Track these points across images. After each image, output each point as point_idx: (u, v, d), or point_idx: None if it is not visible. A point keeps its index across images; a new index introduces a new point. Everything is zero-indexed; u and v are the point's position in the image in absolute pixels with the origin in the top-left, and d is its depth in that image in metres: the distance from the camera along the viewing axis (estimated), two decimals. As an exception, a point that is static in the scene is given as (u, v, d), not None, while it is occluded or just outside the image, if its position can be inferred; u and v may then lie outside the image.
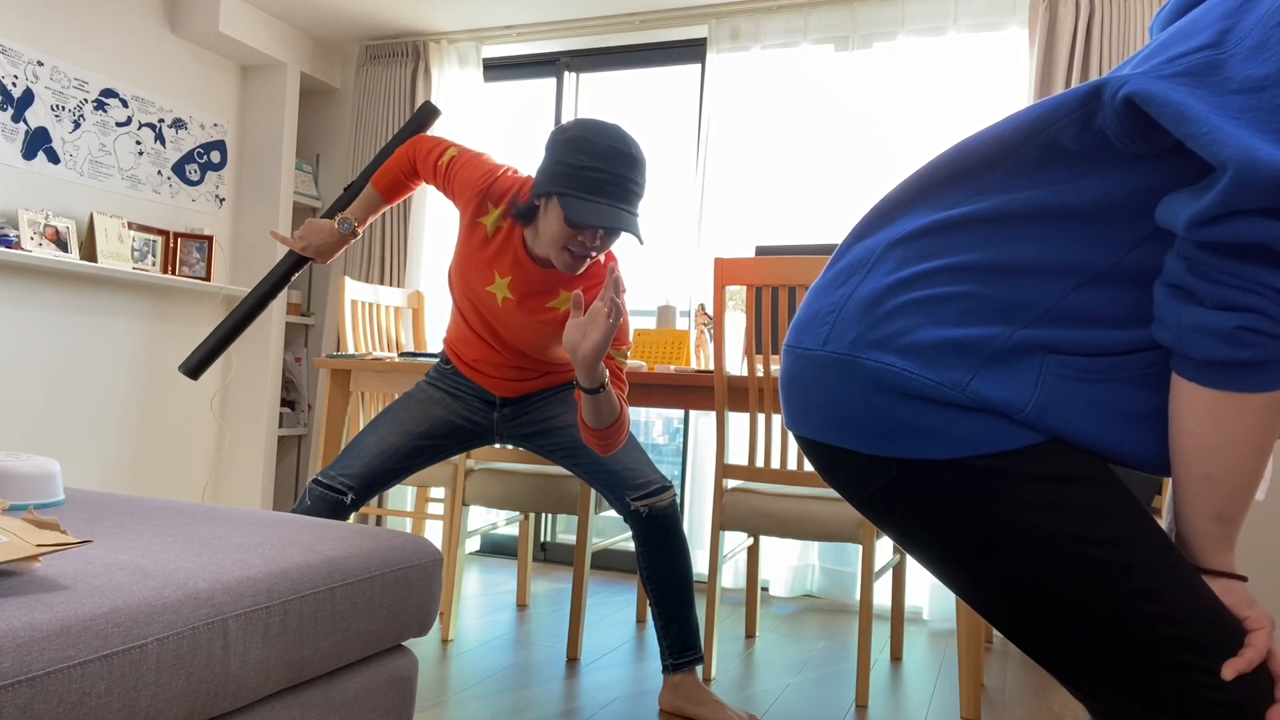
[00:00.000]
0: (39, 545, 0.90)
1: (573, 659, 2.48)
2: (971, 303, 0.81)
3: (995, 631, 2.96)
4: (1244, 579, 0.81)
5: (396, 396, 3.28)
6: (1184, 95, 0.72)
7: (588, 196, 1.76)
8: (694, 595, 2.06)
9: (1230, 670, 0.75)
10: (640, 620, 2.93)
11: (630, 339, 2.01)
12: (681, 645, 2.05)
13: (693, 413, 3.51)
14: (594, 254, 1.86)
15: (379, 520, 3.85)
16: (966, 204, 0.86)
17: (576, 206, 1.75)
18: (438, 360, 2.20)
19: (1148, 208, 0.80)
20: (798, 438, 0.94)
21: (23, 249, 3.07)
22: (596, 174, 1.76)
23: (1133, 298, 0.80)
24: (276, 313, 3.98)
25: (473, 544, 4.05)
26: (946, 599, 3.16)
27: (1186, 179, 0.77)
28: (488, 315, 2.02)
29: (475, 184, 1.98)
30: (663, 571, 2.02)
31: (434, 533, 3.81)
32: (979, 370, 0.79)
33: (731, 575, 3.48)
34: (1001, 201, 0.84)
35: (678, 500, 2.08)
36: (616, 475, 2.03)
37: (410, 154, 2.13)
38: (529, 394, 2.13)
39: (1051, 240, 0.81)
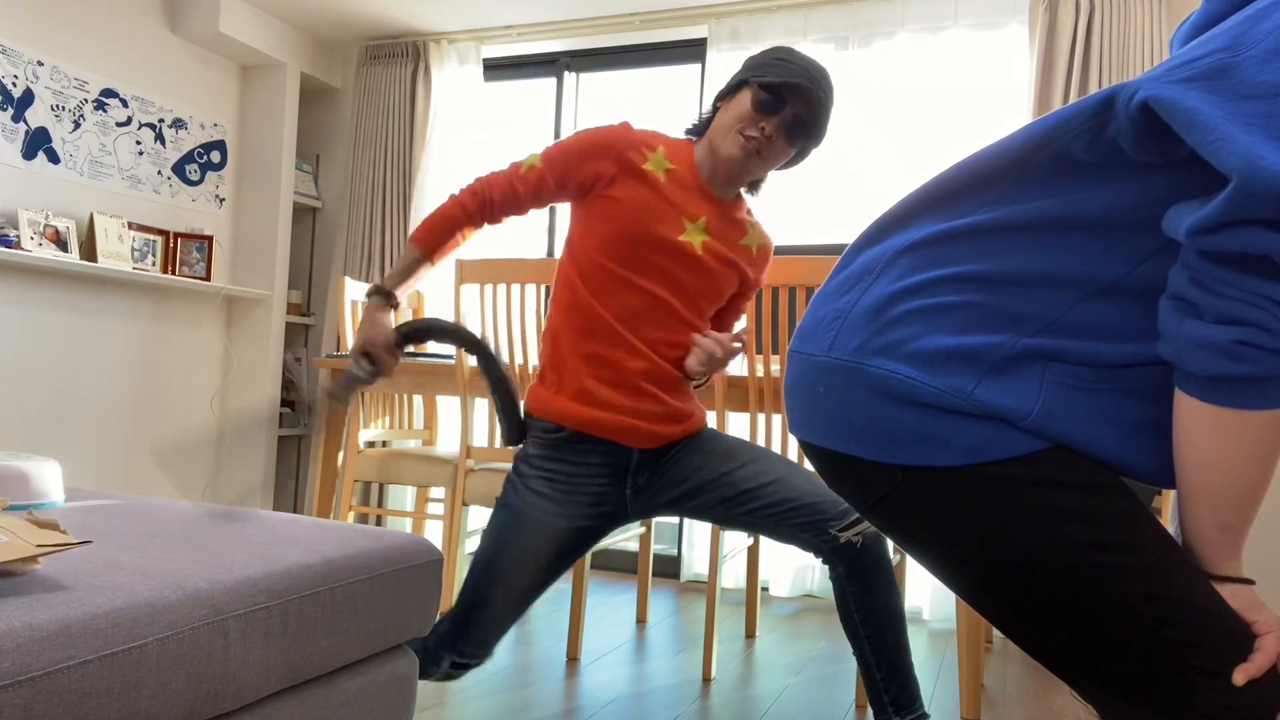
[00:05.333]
0: (39, 546, 0.90)
1: (573, 659, 2.48)
2: (977, 311, 0.82)
3: (995, 631, 2.96)
4: (1251, 583, 0.80)
5: (400, 399, 3.28)
6: (1195, 100, 0.71)
7: (777, 74, 1.66)
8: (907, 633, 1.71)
9: (1241, 675, 0.74)
10: (640, 620, 2.93)
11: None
12: (909, 700, 1.66)
13: (693, 413, 3.51)
14: (763, 154, 1.69)
15: (379, 520, 3.84)
16: (975, 214, 0.86)
17: (767, 75, 1.65)
18: (532, 431, 1.73)
19: (1158, 220, 0.79)
20: (802, 443, 0.94)
21: (23, 249, 3.07)
22: (790, 66, 1.67)
23: (1139, 312, 0.80)
24: (276, 313, 3.98)
25: (473, 544, 4.05)
26: (946, 599, 3.16)
27: (1198, 191, 0.76)
28: (677, 279, 1.70)
29: (609, 139, 1.72)
30: (885, 610, 1.65)
31: (434, 533, 3.81)
32: (983, 378, 0.80)
33: (731, 575, 3.48)
34: (1011, 212, 0.84)
35: None
36: (811, 508, 1.64)
37: (488, 186, 1.74)
38: (667, 446, 1.74)
39: (1060, 251, 0.81)
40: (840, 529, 1.63)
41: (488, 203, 1.73)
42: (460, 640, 1.65)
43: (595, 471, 1.70)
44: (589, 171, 1.71)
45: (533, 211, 1.79)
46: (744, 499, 1.69)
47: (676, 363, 1.72)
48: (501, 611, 1.66)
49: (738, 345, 1.66)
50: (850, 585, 1.65)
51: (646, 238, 1.68)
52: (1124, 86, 0.78)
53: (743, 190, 1.82)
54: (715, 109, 1.76)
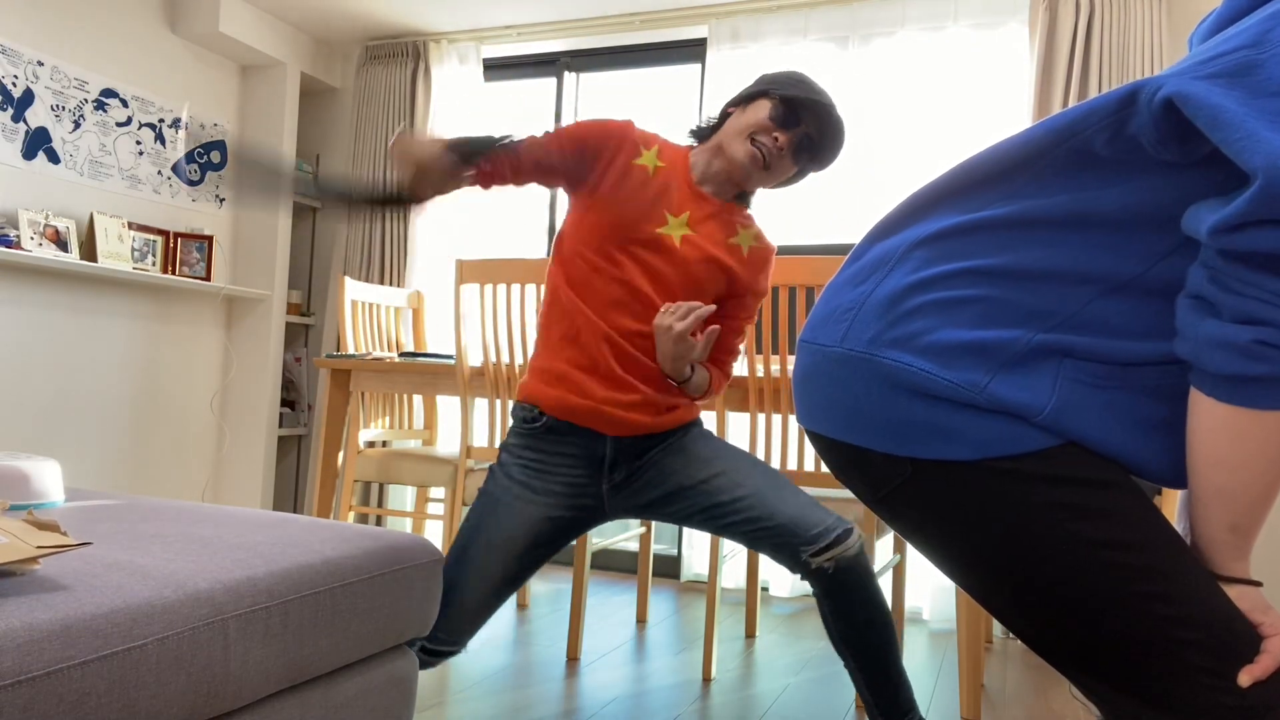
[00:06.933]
0: (39, 547, 0.90)
1: (573, 659, 2.48)
2: (992, 306, 0.81)
3: (995, 631, 2.96)
4: (1259, 584, 0.80)
5: (400, 398, 3.28)
6: (1219, 97, 0.71)
7: (799, 91, 1.73)
8: (897, 640, 1.68)
9: (1247, 676, 0.74)
10: (640, 620, 2.93)
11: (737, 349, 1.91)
12: (902, 710, 1.64)
13: (693, 413, 3.50)
14: (769, 165, 1.74)
15: (379, 520, 3.85)
16: (992, 207, 0.86)
17: (789, 90, 1.72)
18: (515, 420, 1.78)
19: (1176, 219, 0.79)
20: (810, 434, 0.94)
21: (23, 249, 3.07)
22: (811, 87, 1.74)
23: (1155, 311, 0.79)
24: (276, 313, 3.98)
25: (473, 544, 4.04)
26: (947, 599, 3.16)
27: (1217, 190, 0.75)
28: (656, 270, 1.73)
29: (614, 129, 1.77)
30: (866, 634, 1.63)
31: (434, 533, 3.81)
32: (997, 372, 0.80)
33: (731, 575, 3.48)
34: (1028, 206, 0.84)
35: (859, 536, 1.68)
36: (783, 529, 1.64)
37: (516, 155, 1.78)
38: (643, 436, 1.74)
39: (1076, 247, 0.81)
40: (812, 554, 1.62)
41: (497, 168, 1.75)
42: (439, 628, 1.67)
43: (571, 462, 1.73)
44: (591, 150, 1.76)
45: (529, 186, 1.83)
46: (716, 511, 1.70)
47: (655, 355, 1.74)
48: (474, 598, 1.68)
49: (698, 308, 1.64)
50: (827, 605, 1.65)
51: (626, 227, 1.72)
52: (1148, 82, 0.77)
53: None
54: (726, 114, 1.81)
